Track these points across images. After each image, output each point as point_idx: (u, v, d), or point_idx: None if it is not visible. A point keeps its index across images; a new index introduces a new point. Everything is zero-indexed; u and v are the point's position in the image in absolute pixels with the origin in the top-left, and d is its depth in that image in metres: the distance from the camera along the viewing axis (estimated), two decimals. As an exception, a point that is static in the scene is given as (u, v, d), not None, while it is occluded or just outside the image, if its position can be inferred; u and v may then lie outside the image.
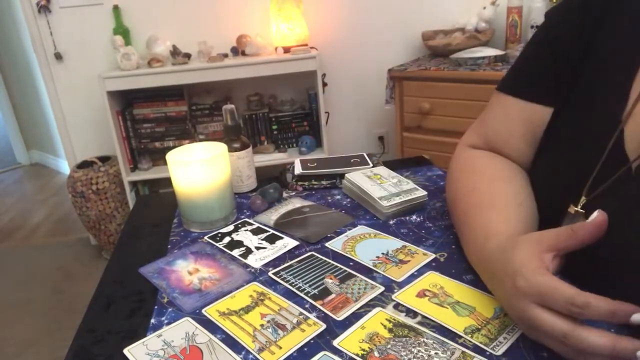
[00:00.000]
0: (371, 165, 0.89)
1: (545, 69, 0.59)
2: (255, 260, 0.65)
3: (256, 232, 0.74)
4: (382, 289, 0.56)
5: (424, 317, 0.51)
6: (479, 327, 0.48)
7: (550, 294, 0.39)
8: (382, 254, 0.64)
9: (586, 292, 0.38)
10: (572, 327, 0.38)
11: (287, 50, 2.18)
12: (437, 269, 0.59)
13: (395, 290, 0.56)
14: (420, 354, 0.45)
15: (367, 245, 0.67)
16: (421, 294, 0.54)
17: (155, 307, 0.57)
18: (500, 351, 0.45)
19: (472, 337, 0.47)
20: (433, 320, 0.50)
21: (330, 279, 0.59)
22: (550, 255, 0.43)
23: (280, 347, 0.48)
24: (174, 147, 0.85)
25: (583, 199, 0.48)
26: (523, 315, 0.42)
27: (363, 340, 0.48)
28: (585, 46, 0.54)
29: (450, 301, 0.53)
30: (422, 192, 0.76)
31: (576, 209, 0.49)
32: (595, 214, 0.41)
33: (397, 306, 0.53)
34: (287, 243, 0.69)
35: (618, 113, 0.49)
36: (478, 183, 0.61)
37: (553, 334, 0.40)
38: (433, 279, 0.57)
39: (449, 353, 0.45)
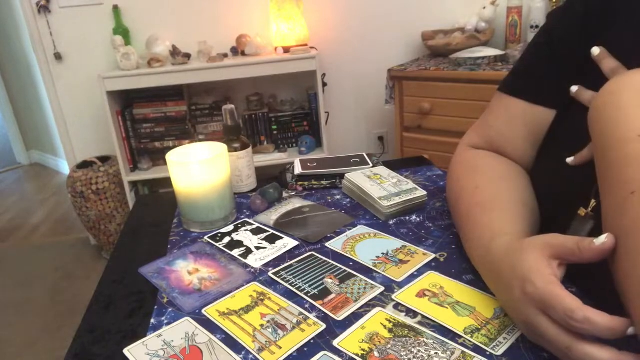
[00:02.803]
0: (371, 165, 0.89)
1: (547, 70, 0.59)
2: (255, 260, 0.65)
3: (256, 232, 0.74)
4: (382, 289, 0.56)
5: (424, 317, 0.51)
6: (479, 327, 0.48)
7: (553, 303, 0.39)
8: (382, 254, 0.64)
9: (587, 307, 0.37)
10: (576, 341, 0.38)
11: (287, 50, 2.18)
12: (437, 269, 0.59)
13: (395, 290, 0.56)
14: (420, 354, 0.45)
15: (367, 245, 0.67)
16: (421, 294, 0.54)
17: (155, 307, 0.57)
18: (500, 351, 0.45)
19: (472, 337, 0.47)
20: (433, 320, 0.50)
21: (330, 279, 0.59)
22: (556, 263, 0.43)
23: (280, 347, 0.48)
24: (174, 147, 0.86)
25: (593, 202, 0.48)
26: (528, 321, 0.42)
27: (363, 340, 0.48)
28: (588, 48, 0.54)
29: (450, 301, 0.53)
30: (422, 192, 0.76)
31: (586, 211, 0.48)
32: (604, 238, 0.39)
33: (397, 306, 0.53)
34: (287, 243, 0.69)
35: None
36: (481, 182, 0.61)
37: (557, 345, 0.40)
38: (433, 279, 0.57)
39: (449, 353, 0.45)
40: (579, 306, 0.38)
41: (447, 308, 0.52)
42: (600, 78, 0.53)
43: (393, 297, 0.55)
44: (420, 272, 0.59)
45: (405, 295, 0.55)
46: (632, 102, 0.42)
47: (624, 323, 0.36)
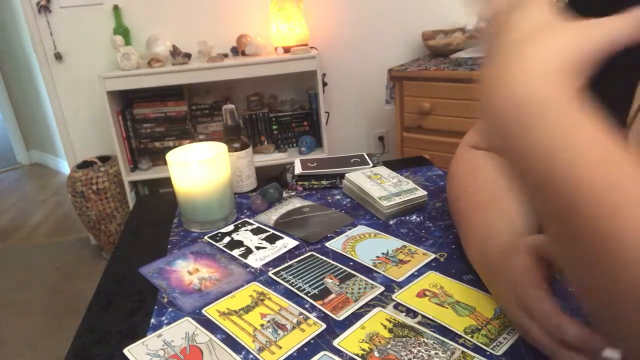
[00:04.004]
0: (371, 165, 0.89)
1: None
2: (255, 260, 0.65)
3: (256, 232, 0.74)
4: (382, 289, 0.56)
5: (424, 317, 0.51)
6: (479, 327, 0.48)
7: (533, 306, 0.40)
8: (382, 253, 0.64)
9: (564, 315, 0.38)
10: (560, 346, 0.38)
11: (287, 50, 2.18)
12: (437, 269, 0.59)
13: (396, 290, 0.56)
14: (420, 354, 0.45)
15: (367, 245, 0.67)
16: (421, 294, 0.54)
17: (155, 307, 0.57)
18: (500, 351, 0.45)
19: (472, 337, 0.47)
20: (433, 320, 0.50)
21: (330, 279, 0.59)
22: (546, 261, 0.43)
23: (280, 347, 0.48)
24: (174, 147, 0.86)
25: None
26: (518, 324, 0.43)
27: (363, 340, 0.48)
28: None
29: (450, 301, 0.53)
30: (422, 192, 0.76)
31: None
32: None
33: (397, 306, 0.53)
34: (287, 243, 0.69)
35: (622, 117, 0.49)
36: (480, 183, 0.61)
37: (543, 349, 0.40)
38: (433, 279, 0.57)
39: (449, 353, 0.45)
40: (556, 312, 0.38)
41: (447, 308, 0.52)
42: (598, 74, 0.53)
43: (393, 297, 0.55)
44: (420, 272, 0.59)
45: (405, 295, 0.55)
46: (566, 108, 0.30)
47: (598, 341, 0.36)
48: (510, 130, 0.30)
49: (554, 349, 0.39)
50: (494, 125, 0.31)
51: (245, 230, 0.75)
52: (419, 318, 0.51)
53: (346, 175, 0.84)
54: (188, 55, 2.18)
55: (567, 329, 0.37)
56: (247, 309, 0.55)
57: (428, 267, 0.60)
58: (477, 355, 0.45)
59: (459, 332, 0.48)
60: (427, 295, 0.54)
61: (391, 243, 0.67)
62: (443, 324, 0.49)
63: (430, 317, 0.50)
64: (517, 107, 0.29)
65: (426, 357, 0.45)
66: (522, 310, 0.42)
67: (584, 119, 0.28)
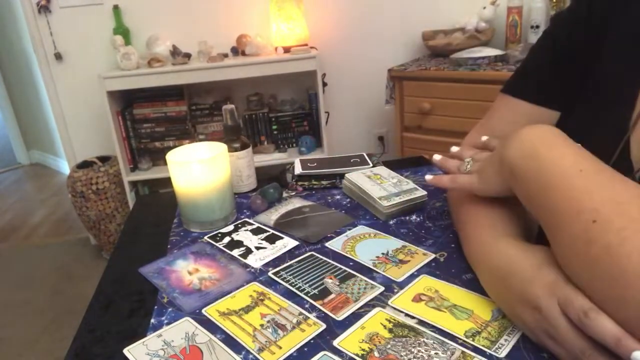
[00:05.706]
0: (371, 165, 0.89)
1: (551, 72, 0.59)
2: (255, 260, 0.65)
3: (256, 232, 0.74)
4: (382, 289, 0.56)
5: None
6: (479, 329, 0.48)
7: (574, 300, 0.39)
8: (382, 254, 0.64)
9: (601, 312, 0.38)
10: (591, 347, 0.38)
11: (287, 50, 2.18)
12: (437, 269, 0.59)
13: (396, 290, 0.56)
14: (420, 354, 0.45)
15: (367, 245, 0.67)
16: (417, 299, 0.54)
17: (155, 307, 0.57)
18: (502, 353, 0.45)
19: (473, 340, 0.47)
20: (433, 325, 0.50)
21: (330, 279, 0.59)
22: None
23: (280, 347, 0.48)
24: (174, 147, 0.86)
25: None
26: (543, 318, 0.42)
27: (363, 340, 0.48)
28: (592, 51, 0.54)
29: (447, 305, 0.53)
30: (422, 192, 0.76)
31: None
32: None
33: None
34: (287, 243, 0.69)
35: (625, 121, 0.49)
36: None
37: (571, 347, 0.39)
38: (426, 282, 0.57)
39: (449, 353, 0.45)
40: (593, 307, 0.38)
41: (444, 312, 0.51)
42: (602, 78, 0.53)
43: (389, 302, 0.54)
44: (420, 272, 0.59)
45: (401, 301, 0.54)
46: (552, 146, 0.45)
47: (630, 339, 0.36)
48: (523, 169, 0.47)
49: (584, 349, 0.38)
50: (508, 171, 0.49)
51: (245, 230, 0.75)
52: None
53: (346, 175, 0.84)
54: (188, 55, 2.18)
55: (604, 324, 0.37)
56: (247, 309, 0.55)
57: (428, 267, 0.60)
58: (477, 355, 0.45)
59: (459, 337, 0.48)
60: (423, 300, 0.54)
61: (391, 243, 0.67)
62: (443, 328, 0.49)
63: (430, 321, 0.50)
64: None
65: (426, 357, 0.45)
66: (554, 303, 0.41)
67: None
